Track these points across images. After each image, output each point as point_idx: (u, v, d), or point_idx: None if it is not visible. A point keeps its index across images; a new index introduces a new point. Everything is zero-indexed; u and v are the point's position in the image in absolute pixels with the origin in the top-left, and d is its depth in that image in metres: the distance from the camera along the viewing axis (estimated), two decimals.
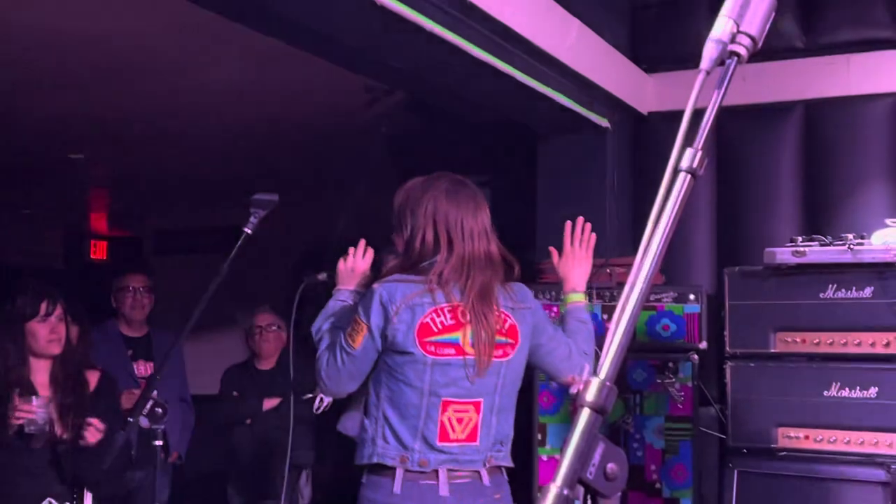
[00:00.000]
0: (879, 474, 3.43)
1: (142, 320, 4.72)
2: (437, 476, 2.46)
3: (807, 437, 3.61)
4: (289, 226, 6.45)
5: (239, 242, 2.47)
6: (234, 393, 4.96)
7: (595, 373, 1.13)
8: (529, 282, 4.01)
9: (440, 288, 2.49)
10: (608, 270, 3.90)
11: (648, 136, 4.49)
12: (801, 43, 4.31)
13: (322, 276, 2.92)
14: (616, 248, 4.15)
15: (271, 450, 4.88)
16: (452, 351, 2.48)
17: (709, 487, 3.93)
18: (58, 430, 3.08)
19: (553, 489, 1.07)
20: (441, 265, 2.50)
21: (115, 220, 8.40)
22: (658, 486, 3.80)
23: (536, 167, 4.43)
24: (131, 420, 2.29)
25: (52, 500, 3.15)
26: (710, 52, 1.26)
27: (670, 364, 3.83)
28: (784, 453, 3.63)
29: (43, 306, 3.17)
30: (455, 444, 2.49)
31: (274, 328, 5.01)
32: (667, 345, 3.84)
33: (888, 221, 3.61)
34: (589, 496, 1.12)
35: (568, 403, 3.89)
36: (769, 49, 4.35)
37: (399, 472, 2.45)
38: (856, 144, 4.19)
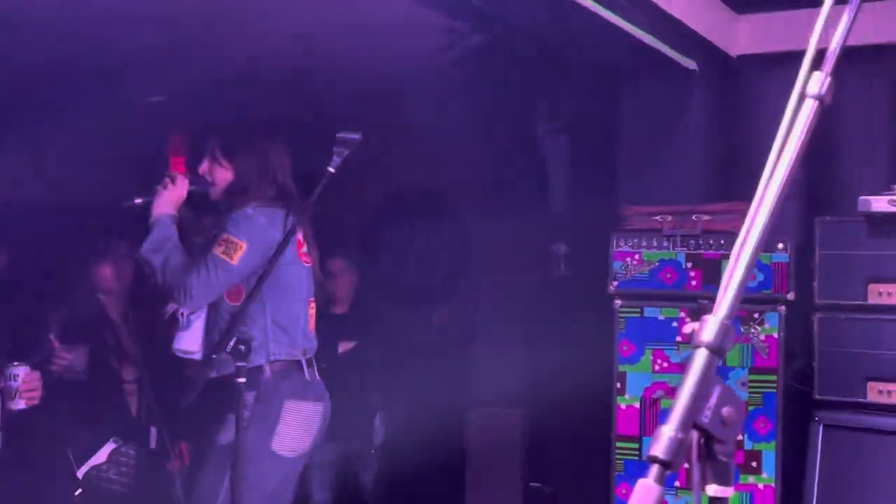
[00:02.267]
0: None
1: None
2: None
3: None
4: (363, 172, 6.44)
5: (322, 181, 2.42)
6: None
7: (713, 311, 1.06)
8: (611, 229, 3.94)
9: None
10: (693, 218, 3.80)
11: (737, 79, 4.34)
12: None
13: (139, 201, 3.03)
14: (702, 194, 4.03)
15: (346, 391, 4.91)
16: None
17: (792, 441, 3.84)
18: (126, 371, 3.12)
19: (666, 432, 1.01)
20: None
21: (194, 164, 8.46)
22: (740, 438, 3.72)
23: (619, 111, 4.30)
24: (214, 357, 2.28)
25: (118, 439, 3.19)
26: None
27: (756, 315, 3.72)
28: (873, 408, 3.52)
29: (117, 249, 3.21)
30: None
31: (346, 273, 5.02)
32: (753, 295, 3.73)
33: None
34: (702, 440, 1.06)
35: (650, 352, 3.81)
36: None
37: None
38: None
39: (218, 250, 2.87)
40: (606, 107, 4.42)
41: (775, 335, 3.71)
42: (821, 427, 3.59)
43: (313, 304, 3.15)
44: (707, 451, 1.06)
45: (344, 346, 4.93)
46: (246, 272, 2.90)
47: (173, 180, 3.00)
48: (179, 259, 2.87)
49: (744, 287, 1.07)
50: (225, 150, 3.08)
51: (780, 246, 3.76)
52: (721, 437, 1.05)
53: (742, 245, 1.08)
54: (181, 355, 2.96)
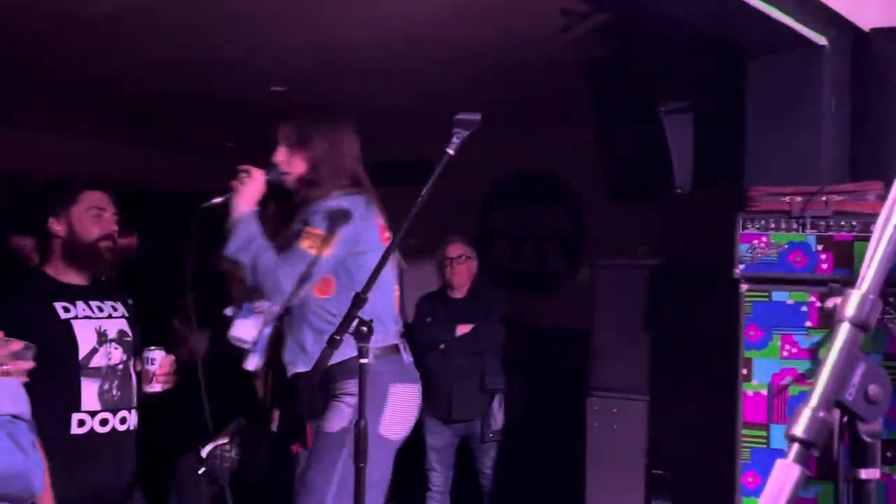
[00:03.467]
0: None
1: None
2: None
3: None
4: (478, 157, 6.44)
5: (442, 163, 2.42)
6: (428, 319, 5.02)
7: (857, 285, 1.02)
8: (738, 210, 3.83)
9: None
10: (824, 198, 3.66)
11: (869, 54, 4.15)
12: None
13: (218, 200, 2.95)
14: (833, 174, 3.89)
15: (464, 375, 4.93)
16: None
17: None
18: None
19: (807, 412, 0.98)
20: None
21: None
22: None
23: (744, 90, 4.18)
24: (337, 338, 2.31)
25: (242, 420, 3.27)
26: None
27: (891, 298, 3.57)
28: None
29: None
30: None
31: (464, 258, 5.03)
32: (890, 276, 3.56)
33: None
34: (846, 420, 1.02)
35: (777, 338, 3.70)
36: None
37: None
38: None
39: (304, 244, 2.88)
40: (731, 85, 4.30)
41: None
42: None
43: (397, 288, 3.15)
44: (851, 431, 1.02)
45: (462, 330, 4.95)
46: (333, 264, 2.91)
47: (248, 174, 2.98)
48: (268, 256, 2.88)
49: (888, 262, 1.02)
50: (300, 138, 3.07)
51: None
52: (866, 417, 1.01)
53: (887, 217, 1.03)
54: (235, 343, 2.99)
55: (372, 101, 6.23)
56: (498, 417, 5.01)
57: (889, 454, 3.56)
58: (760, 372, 3.73)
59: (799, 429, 0.97)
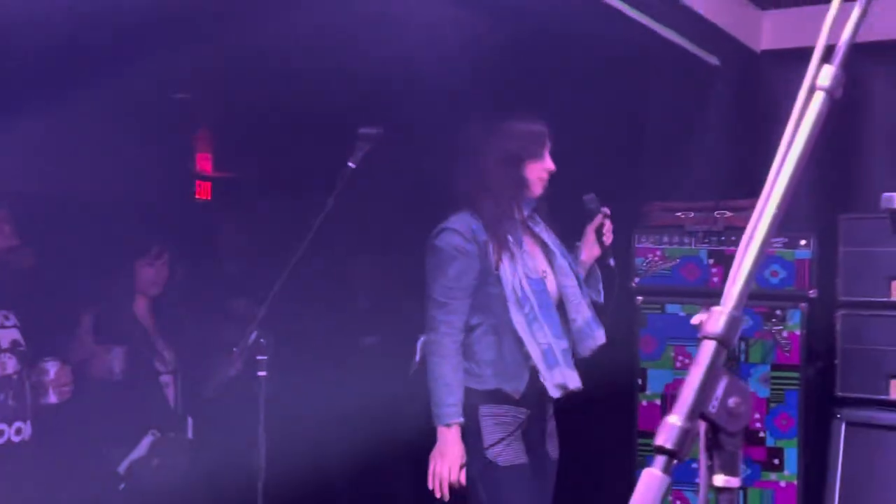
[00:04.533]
0: None
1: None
2: None
3: None
4: (393, 167, 6.44)
5: (344, 176, 2.45)
6: None
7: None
8: (634, 225, 3.94)
9: None
10: (716, 214, 3.79)
11: (761, 75, 4.32)
12: None
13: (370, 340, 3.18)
14: (725, 190, 4.02)
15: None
16: None
17: (814, 438, 3.82)
18: (161, 364, 3.16)
19: (673, 421, 1.02)
20: None
21: (220, 161, 8.51)
22: (762, 435, 3.71)
23: (642, 107, 4.30)
24: (235, 350, 2.31)
25: (156, 431, 3.24)
26: None
27: (778, 311, 3.71)
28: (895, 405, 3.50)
29: (155, 249, 3.25)
30: None
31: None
32: (775, 292, 3.72)
33: None
34: (710, 431, 1.07)
35: (671, 349, 3.81)
36: None
37: None
38: None
39: None
40: (630, 102, 4.41)
41: (797, 332, 3.70)
42: (843, 424, 3.58)
43: None
44: (714, 441, 1.07)
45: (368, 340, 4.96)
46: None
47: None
48: None
49: (752, 279, 1.07)
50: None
51: (803, 242, 3.75)
52: (728, 428, 1.06)
53: (751, 237, 1.09)
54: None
55: (280, 109, 6.19)
56: None
57: (776, 461, 3.70)
58: (655, 382, 3.84)
59: (664, 439, 1.02)
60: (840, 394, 3.61)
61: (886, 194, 3.54)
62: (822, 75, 1.13)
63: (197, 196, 8.56)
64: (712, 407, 1.04)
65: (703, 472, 1.05)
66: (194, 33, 4.73)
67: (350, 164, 2.50)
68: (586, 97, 4.59)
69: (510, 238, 2.92)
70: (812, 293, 3.73)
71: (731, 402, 1.06)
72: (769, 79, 4.23)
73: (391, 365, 4.87)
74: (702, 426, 1.06)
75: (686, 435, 1.02)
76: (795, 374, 3.70)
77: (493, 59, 4.79)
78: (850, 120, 4.18)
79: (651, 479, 1.00)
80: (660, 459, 1.02)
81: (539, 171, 3.03)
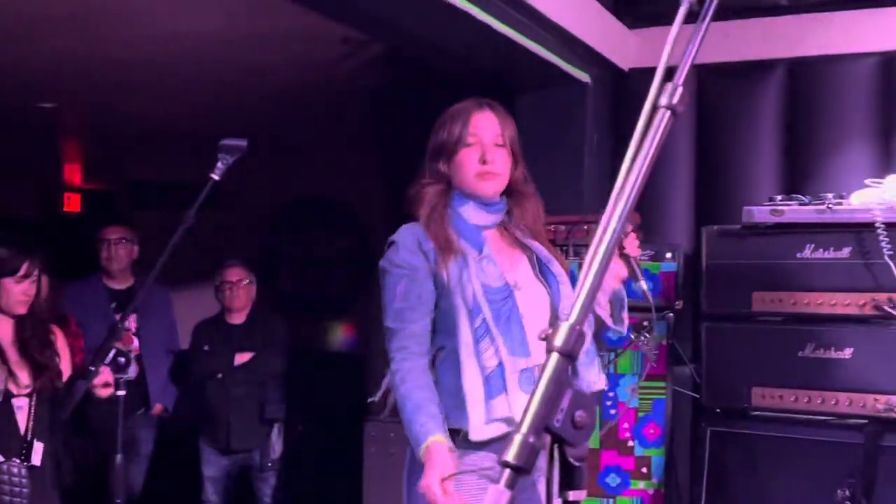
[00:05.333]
0: (853, 435, 3.42)
1: (123, 272, 4.74)
2: None
3: (781, 398, 3.59)
4: (264, 180, 6.37)
5: (206, 189, 2.39)
6: (205, 347, 4.91)
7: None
8: None
9: None
10: (585, 227, 3.86)
11: (629, 92, 4.43)
12: (786, 0, 4.25)
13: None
14: (594, 205, 4.10)
15: (243, 404, 4.85)
16: None
17: (681, 447, 3.92)
18: (15, 386, 3.03)
19: (518, 437, 1.02)
20: None
21: (90, 172, 8.27)
22: (630, 444, 3.78)
23: (515, 122, 4.35)
24: (92, 369, 2.22)
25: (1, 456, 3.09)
26: None
27: (645, 323, 3.79)
28: (758, 413, 3.61)
29: (24, 267, 3.11)
30: None
31: (245, 282, 4.95)
32: (642, 303, 3.79)
33: (868, 181, 3.57)
34: (556, 444, 1.08)
35: None
36: (754, 6, 4.31)
37: None
38: (837, 104, 4.14)
39: None
40: None
41: (664, 343, 3.79)
42: (708, 432, 3.67)
43: None
44: (560, 454, 1.08)
45: (241, 359, 4.86)
46: None
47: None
48: None
49: (595, 293, 1.09)
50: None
51: (669, 255, 3.85)
52: (573, 441, 1.07)
53: (594, 252, 1.10)
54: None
55: (150, 121, 6.06)
56: (276, 447, 4.95)
57: (644, 470, 3.78)
58: None
59: (510, 455, 1.02)
60: (705, 403, 3.70)
61: (747, 208, 3.66)
62: (665, 94, 1.15)
63: (66, 209, 8.31)
64: (557, 421, 1.05)
65: (547, 486, 1.06)
66: (59, 41, 4.59)
67: (213, 176, 2.44)
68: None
69: (461, 241, 2.44)
70: (678, 305, 3.83)
71: (577, 415, 1.07)
72: (638, 96, 4.33)
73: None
74: (547, 439, 1.07)
75: (532, 450, 1.02)
76: (662, 384, 3.79)
77: (364, 71, 4.80)
78: (715, 135, 4.33)
79: (497, 496, 1.00)
80: (505, 474, 1.02)
81: (469, 162, 2.50)
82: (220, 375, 4.83)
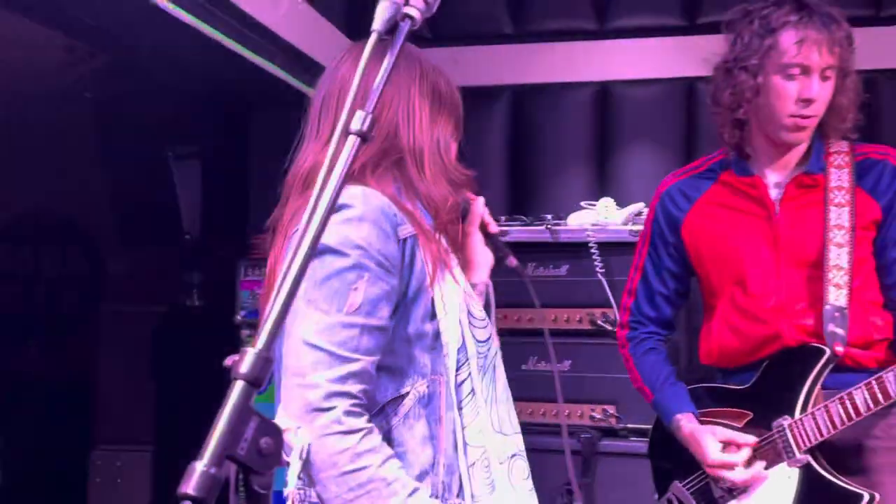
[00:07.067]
0: (571, 443, 3.60)
1: None
2: None
3: None
4: None
5: None
6: None
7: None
8: (240, 257, 3.92)
9: None
10: None
11: None
12: (510, 29, 4.45)
13: None
14: None
15: None
16: None
17: None
18: None
19: (199, 468, 1.00)
20: None
21: None
22: None
23: (249, 140, 4.30)
24: None
25: None
26: (383, 12, 1.23)
27: None
28: None
29: None
30: None
31: None
32: None
33: (583, 204, 3.80)
34: (241, 474, 1.06)
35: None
36: (481, 33, 4.48)
37: None
38: (558, 130, 4.38)
39: None
40: (240, 134, 4.40)
41: None
42: None
43: None
44: (245, 484, 1.06)
45: None
46: None
47: None
48: None
49: (282, 320, 1.08)
50: None
51: None
52: (258, 469, 1.05)
53: (283, 278, 1.09)
54: None
55: None
56: None
57: None
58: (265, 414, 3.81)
59: (190, 486, 0.99)
60: None
61: None
62: (355, 120, 1.17)
63: None
64: (241, 449, 1.03)
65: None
66: None
67: None
68: (195, 127, 4.53)
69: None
70: None
71: (263, 442, 1.05)
72: None
73: None
74: (232, 469, 1.05)
75: (212, 480, 1.00)
76: None
77: (93, 86, 4.59)
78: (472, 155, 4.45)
79: None
80: None
81: None
82: None
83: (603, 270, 3.58)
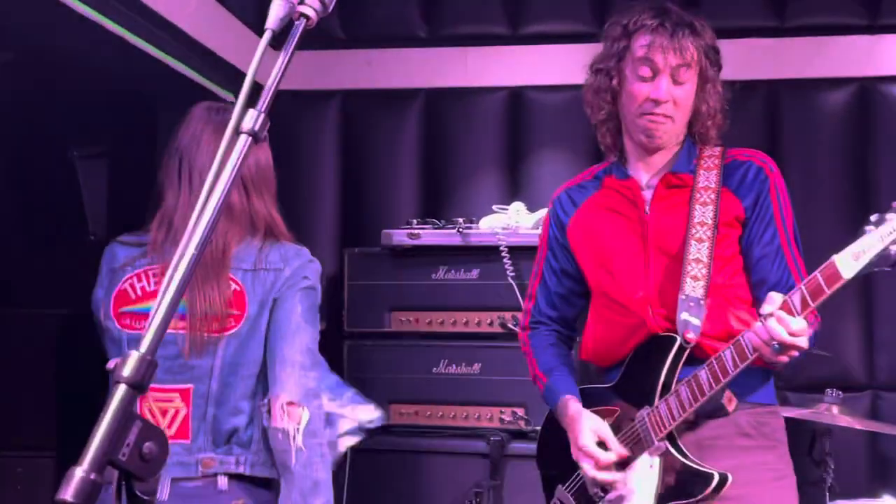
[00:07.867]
0: (481, 446, 3.62)
1: None
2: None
3: (416, 413, 3.74)
4: None
5: None
6: None
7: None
8: None
9: (161, 245, 2.21)
10: None
11: (275, 111, 4.42)
12: (424, 32, 4.45)
13: None
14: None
15: None
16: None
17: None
18: None
19: (78, 473, 0.97)
20: (168, 214, 2.25)
21: None
22: None
23: (157, 139, 4.21)
24: None
25: None
26: (277, 10, 1.22)
27: None
28: (395, 429, 3.73)
29: None
30: None
31: None
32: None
33: (495, 208, 3.82)
34: (123, 479, 1.04)
35: None
36: (394, 36, 4.48)
37: None
38: (471, 134, 4.40)
39: None
40: (146, 132, 4.30)
41: None
42: (348, 451, 3.73)
43: None
44: (128, 490, 1.04)
45: None
46: None
47: None
48: None
49: (167, 324, 1.06)
50: None
51: None
52: (141, 474, 1.03)
53: (169, 280, 1.07)
54: None
55: None
56: None
57: None
58: None
59: (68, 492, 0.96)
60: None
61: (385, 231, 3.79)
62: (247, 120, 1.16)
63: None
64: (123, 454, 1.01)
65: None
66: None
67: None
68: (102, 125, 4.42)
69: None
70: (321, 325, 3.87)
71: (146, 447, 1.03)
72: (282, 115, 4.35)
73: None
74: (115, 474, 1.03)
75: (92, 486, 0.98)
76: None
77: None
78: (359, 160, 4.44)
79: None
80: None
81: None
82: None
83: (513, 274, 3.61)
